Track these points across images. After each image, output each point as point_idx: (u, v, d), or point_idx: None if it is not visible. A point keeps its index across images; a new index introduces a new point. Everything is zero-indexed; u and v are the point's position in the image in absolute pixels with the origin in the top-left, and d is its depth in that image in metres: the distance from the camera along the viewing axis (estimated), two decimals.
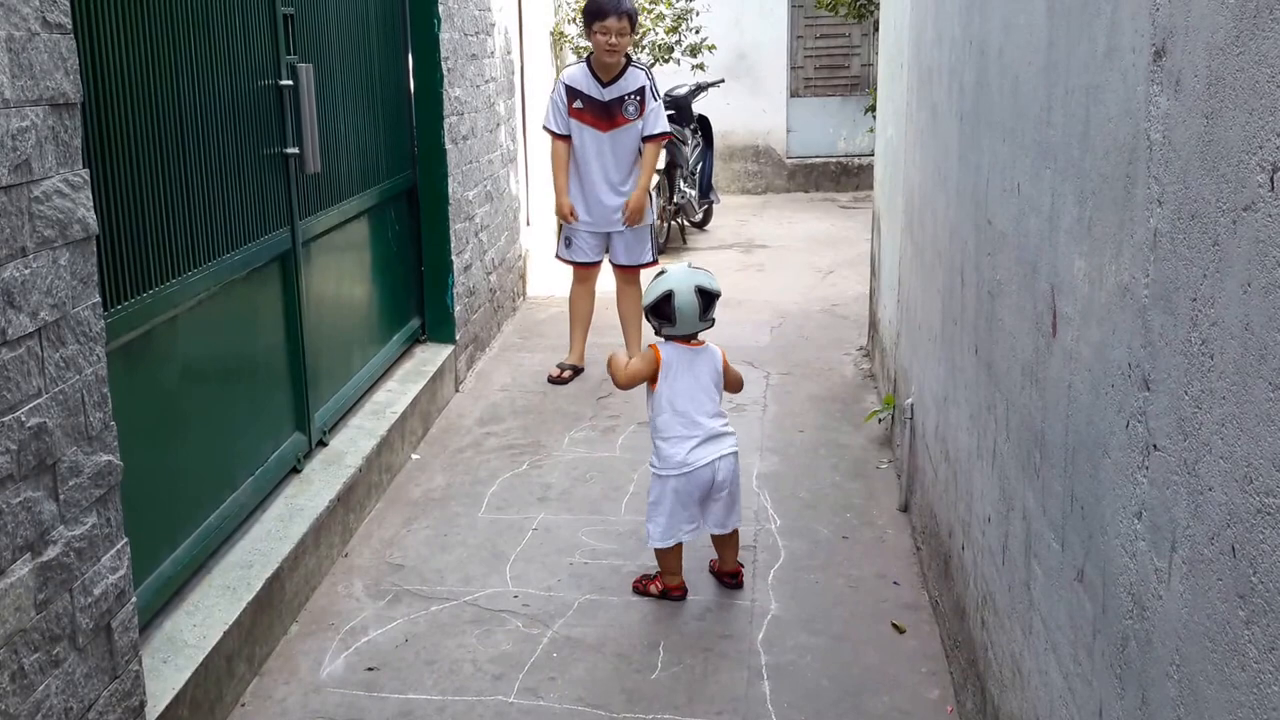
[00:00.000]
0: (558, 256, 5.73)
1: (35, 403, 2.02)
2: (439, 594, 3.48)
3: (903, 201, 4.41)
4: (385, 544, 3.82)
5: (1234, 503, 1.21)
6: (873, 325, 5.67)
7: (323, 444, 4.02)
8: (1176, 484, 1.38)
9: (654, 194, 6.51)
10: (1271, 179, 1.11)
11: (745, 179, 11.85)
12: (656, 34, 9.78)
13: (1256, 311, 1.15)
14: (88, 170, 2.22)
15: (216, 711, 2.79)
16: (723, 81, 9.86)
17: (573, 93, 5.39)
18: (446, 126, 5.28)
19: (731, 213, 10.43)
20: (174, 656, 2.70)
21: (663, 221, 8.65)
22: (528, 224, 7.34)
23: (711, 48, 9.99)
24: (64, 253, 2.12)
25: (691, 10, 9.97)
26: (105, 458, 2.26)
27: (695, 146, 9.24)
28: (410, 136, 5.23)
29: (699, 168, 9.30)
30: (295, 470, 3.78)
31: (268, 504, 3.54)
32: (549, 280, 7.07)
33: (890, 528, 3.88)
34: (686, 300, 3.42)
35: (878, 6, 7.10)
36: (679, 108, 9.16)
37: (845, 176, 11.74)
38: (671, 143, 8.55)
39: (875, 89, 6.30)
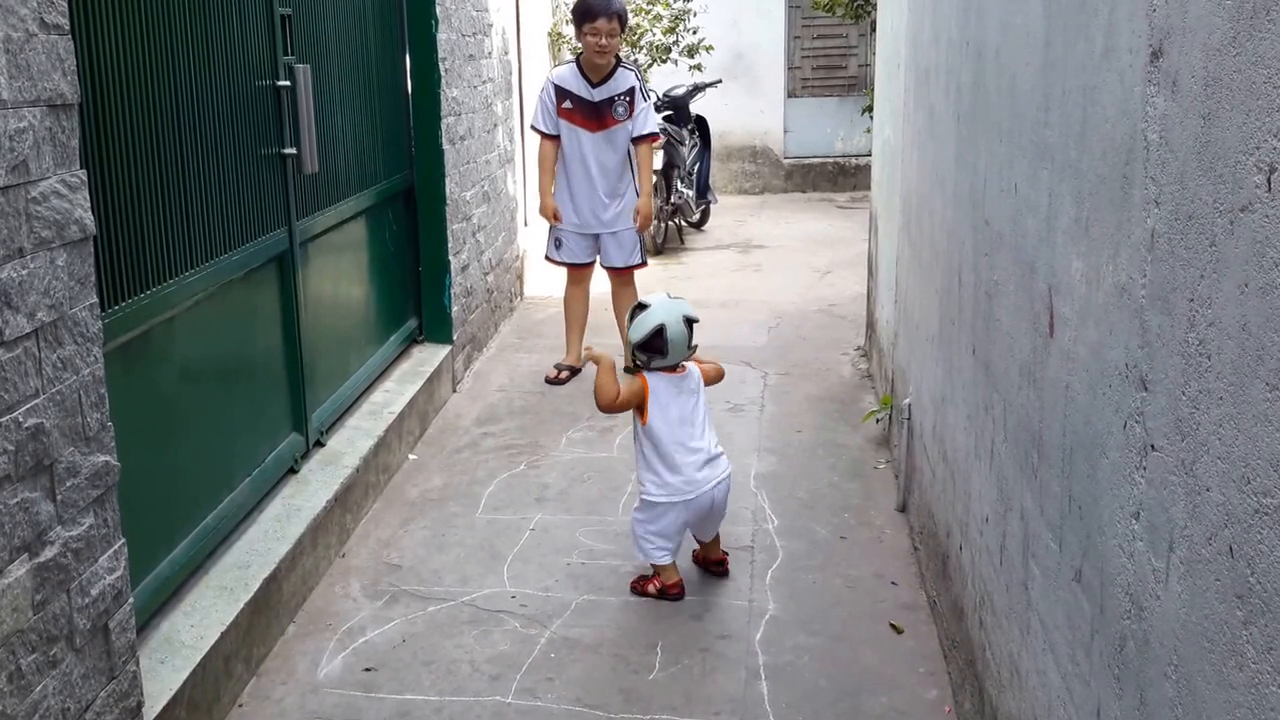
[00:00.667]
0: (547, 258, 5.74)
1: (32, 403, 2.02)
2: (436, 594, 3.48)
3: (900, 202, 4.41)
4: (382, 544, 3.82)
5: (1231, 503, 1.21)
6: (870, 325, 5.68)
7: (320, 444, 4.02)
8: (1174, 484, 1.38)
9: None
10: (1269, 180, 1.11)
11: (743, 179, 11.85)
12: (654, 34, 9.78)
13: (1254, 312, 1.15)
14: (85, 171, 2.22)
15: (214, 712, 2.79)
16: (720, 82, 9.87)
17: (562, 93, 5.39)
18: (444, 127, 5.28)
19: (729, 213, 10.44)
20: (171, 657, 2.70)
21: (660, 222, 8.65)
22: (525, 224, 7.33)
23: (709, 48, 9.98)
24: (61, 253, 2.12)
25: (689, 11, 9.97)
26: (102, 458, 2.26)
27: (693, 147, 9.24)
28: (408, 137, 5.23)
29: (696, 168, 9.30)
30: (293, 471, 3.77)
31: (265, 504, 3.53)
32: (546, 281, 7.06)
33: (888, 528, 3.89)
34: (677, 331, 3.44)
35: (875, 7, 7.11)
36: (676, 108, 9.16)
37: (842, 177, 11.75)
38: (669, 143, 8.56)
39: (872, 89, 6.30)
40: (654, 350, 3.43)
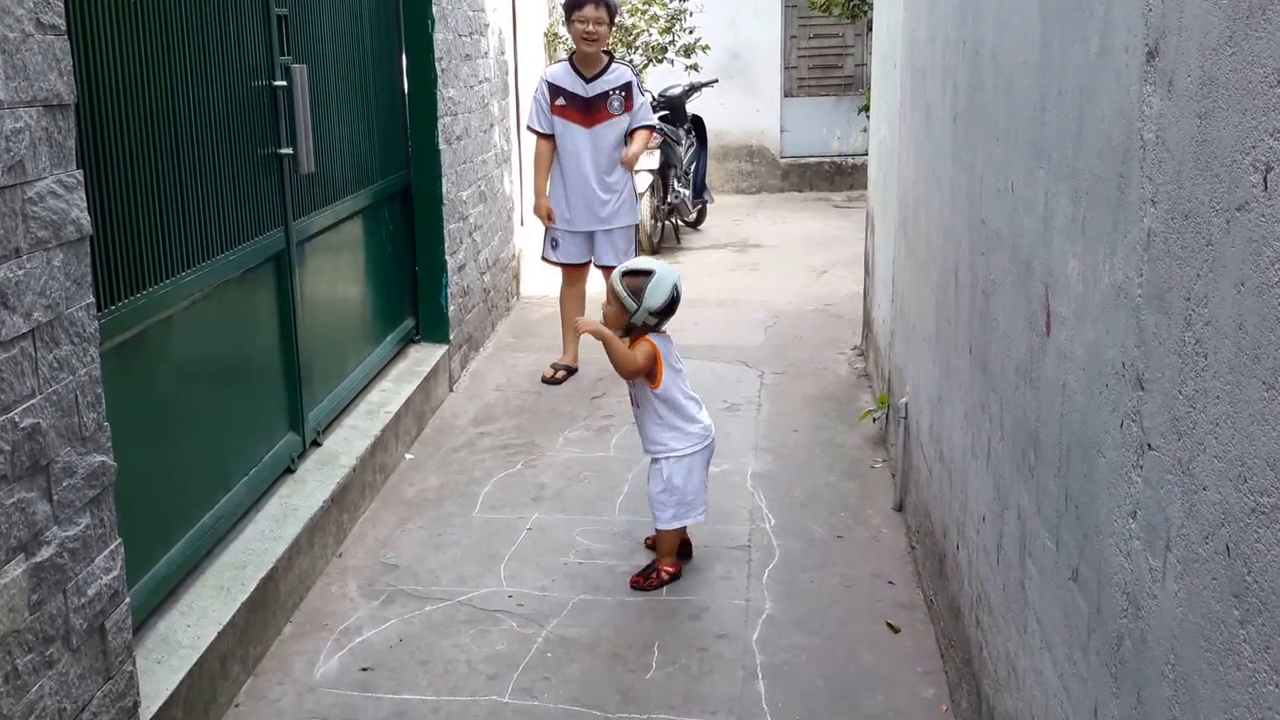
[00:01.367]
0: (543, 258, 5.74)
1: (29, 403, 2.02)
2: (433, 594, 3.47)
3: (897, 201, 4.41)
4: (379, 544, 3.81)
5: (1228, 502, 1.22)
6: (867, 325, 5.68)
7: (317, 444, 4.02)
8: (1171, 483, 1.38)
9: (644, 192, 6.51)
10: (1265, 179, 1.12)
11: (739, 179, 11.86)
12: (650, 34, 9.78)
13: (1250, 311, 1.16)
14: (81, 171, 2.21)
15: (210, 712, 2.79)
16: (716, 81, 9.87)
17: (555, 90, 5.40)
18: (440, 127, 5.28)
19: (725, 212, 10.44)
20: (168, 657, 2.70)
21: (656, 221, 8.65)
22: (521, 224, 7.33)
23: (705, 48, 9.99)
24: (58, 254, 2.12)
25: (685, 10, 9.97)
26: (99, 458, 2.25)
27: (689, 146, 9.24)
28: (404, 137, 5.23)
29: (693, 167, 9.31)
30: (289, 470, 3.77)
31: (262, 504, 3.53)
32: (543, 281, 7.05)
33: (885, 527, 3.89)
34: (679, 294, 3.58)
35: (871, 7, 7.11)
36: (673, 108, 9.17)
37: (839, 176, 11.76)
38: (665, 143, 8.56)
39: (869, 89, 6.30)
40: (667, 313, 3.55)
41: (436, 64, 5.20)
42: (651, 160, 8.30)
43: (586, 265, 5.63)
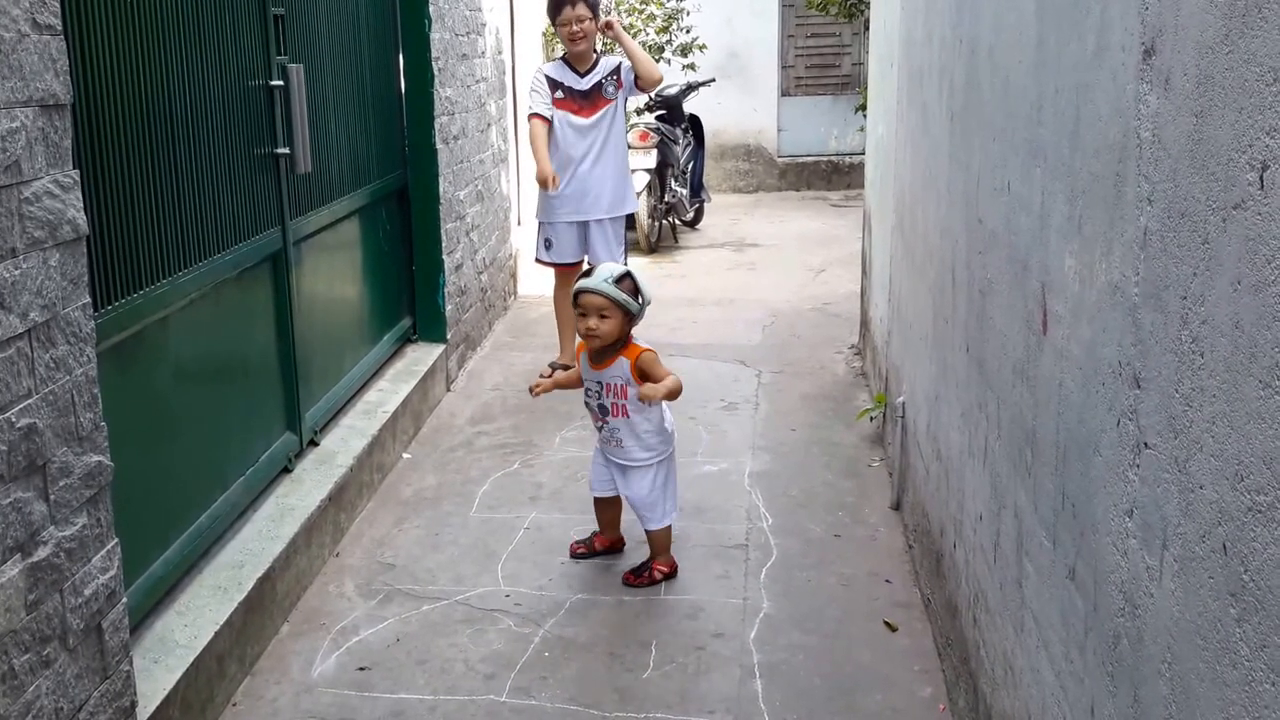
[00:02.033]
0: (538, 260, 5.73)
1: (25, 403, 2.02)
2: (431, 593, 3.47)
3: (894, 200, 4.41)
4: (377, 543, 3.81)
5: (1225, 501, 1.22)
6: (864, 324, 5.68)
7: (314, 443, 4.01)
8: (1167, 482, 1.38)
9: (642, 191, 6.49)
10: (1261, 177, 1.12)
11: (736, 178, 11.86)
12: (647, 34, 9.78)
13: (1246, 309, 1.16)
14: (78, 171, 2.21)
15: (208, 712, 2.79)
16: (714, 81, 9.87)
17: (554, 84, 5.43)
18: (437, 126, 5.28)
19: (723, 212, 10.44)
20: (165, 657, 2.70)
21: (654, 221, 8.66)
22: (519, 224, 7.33)
23: (702, 47, 10.00)
24: (54, 253, 2.12)
25: (682, 10, 9.98)
26: (95, 458, 2.25)
27: (686, 146, 9.25)
28: (401, 136, 5.23)
29: (690, 167, 9.31)
30: (286, 470, 3.77)
31: (259, 504, 3.53)
32: (539, 280, 7.04)
33: (882, 526, 3.89)
34: None
35: (868, 6, 7.11)
36: (670, 107, 9.17)
37: (836, 175, 11.76)
38: (663, 142, 8.56)
39: (866, 88, 6.30)
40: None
41: (433, 63, 5.20)
42: (649, 159, 8.31)
43: (579, 265, 5.62)
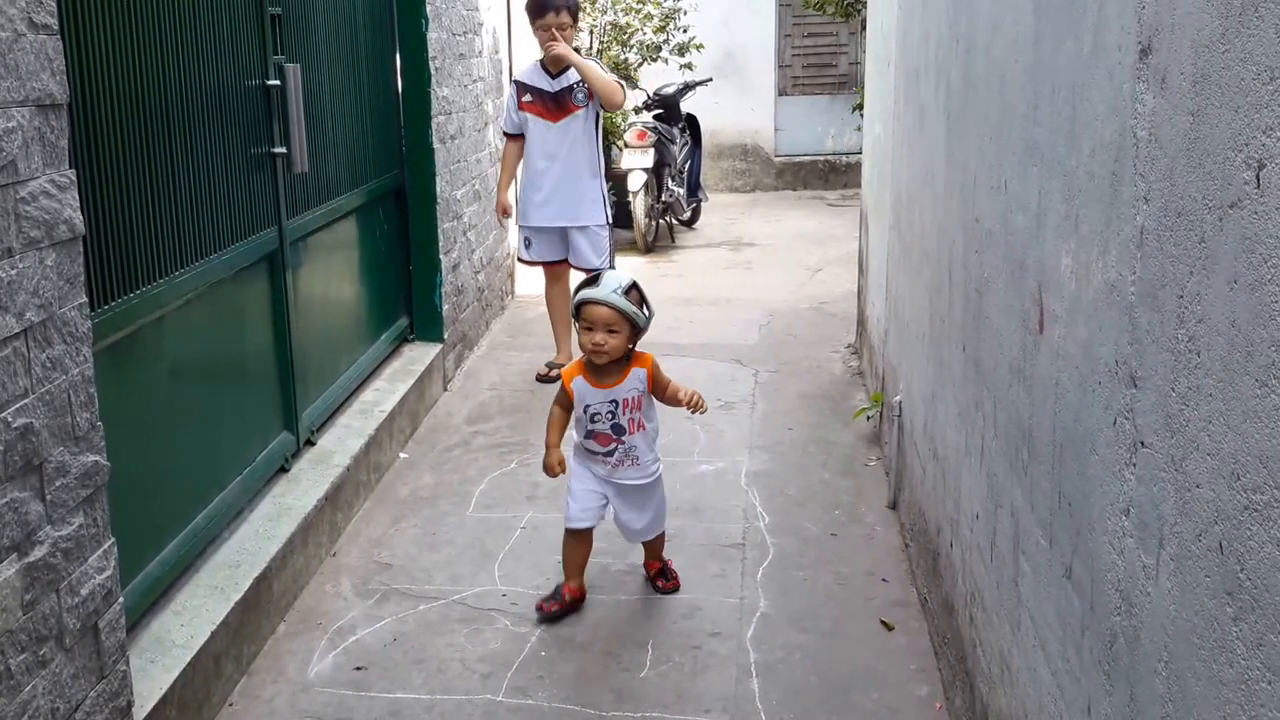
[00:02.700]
0: (520, 259, 5.75)
1: (22, 403, 2.01)
2: (427, 593, 3.47)
3: (890, 199, 4.42)
4: (373, 543, 3.81)
5: (1221, 499, 1.22)
6: (861, 323, 5.69)
7: (310, 443, 4.01)
8: (1164, 481, 1.39)
9: (639, 190, 6.49)
10: (1258, 176, 1.12)
11: (733, 177, 11.87)
12: (644, 33, 9.78)
13: (1243, 308, 1.16)
14: (74, 171, 2.21)
15: (204, 711, 2.79)
16: (710, 80, 9.87)
17: (522, 88, 5.42)
18: (434, 126, 5.27)
19: (720, 211, 10.44)
20: (161, 656, 2.70)
21: (651, 220, 8.66)
22: (516, 223, 7.32)
23: (699, 47, 10.00)
24: (50, 253, 2.11)
25: (679, 9, 9.98)
26: (92, 458, 2.25)
27: (683, 145, 9.25)
28: (398, 136, 5.22)
29: (687, 166, 9.32)
30: (283, 470, 3.77)
31: (256, 503, 3.52)
32: (536, 280, 7.04)
33: (879, 525, 3.89)
34: None
35: (865, 5, 7.12)
36: (667, 107, 9.17)
37: (833, 174, 11.77)
38: (660, 141, 8.56)
39: (863, 87, 6.31)
40: None
41: (430, 63, 5.20)
42: (646, 159, 8.31)
43: (564, 262, 5.61)
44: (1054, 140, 1.91)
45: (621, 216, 7.93)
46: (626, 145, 8.40)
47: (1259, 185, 1.12)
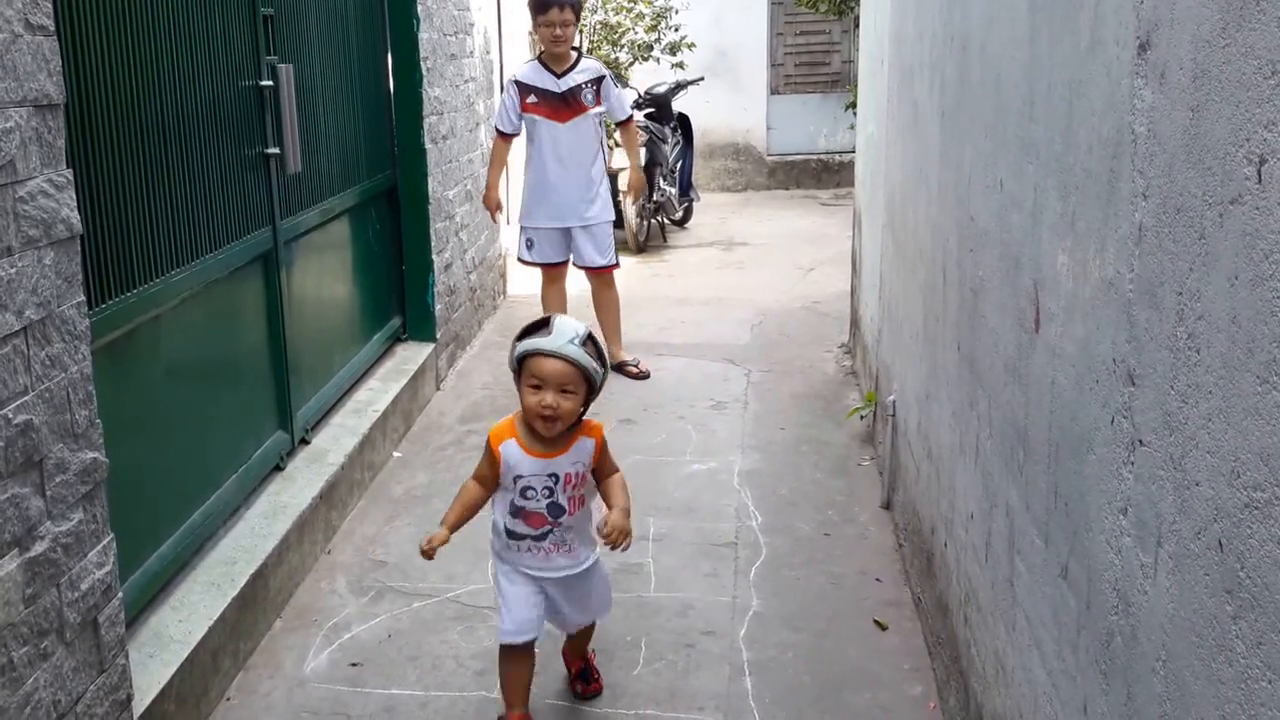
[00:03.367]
0: (520, 259, 5.73)
1: (22, 400, 2.01)
2: (422, 591, 3.47)
3: (884, 198, 4.43)
4: (368, 541, 3.81)
5: (1221, 497, 1.23)
6: (854, 323, 5.70)
7: (305, 442, 4.01)
8: (1163, 479, 1.39)
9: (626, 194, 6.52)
10: (1259, 171, 1.13)
11: (725, 176, 11.88)
12: (636, 32, 9.79)
13: (1243, 304, 1.16)
14: (71, 170, 2.21)
15: (202, 705, 2.79)
16: (702, 79, 9.89)
17: (525, 88, 5.38)
18: (426, 126, 5.27)
19: (712, 210, 10.45)
20: (160, 651, 2.70)
21: (642, 220, 8.66)
22: (507, 223, 7.32)
23: (691, 45, 10.01)
24: (49, 252, 2.11)
25: (671, 8, 9.98)
26: (91, 455, 2.25)
27: (675, 144, 9.25)
28: (390, 136, 5.22)
29: (679, 165, 9.32)
30: (278, 468, 3.76)
31: (251, 501, 3.52)
32: (528, 280, 7.04)
33: (872, 525, 3.90)
34: None
35: (858, 3, 7.14)
36: (659, 106, 9.18)
37: (826, 174, 11.79)
38: (651, 140, 8.56)
39: (856, 85, 6.32)
40: None
41: (422, 63, 5.20)
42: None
43: (564, 264, 5.61)
44: (1050, 137, 1.92)
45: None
46: (618, 144, 8.41)
47: (1260, 180, 1.12)
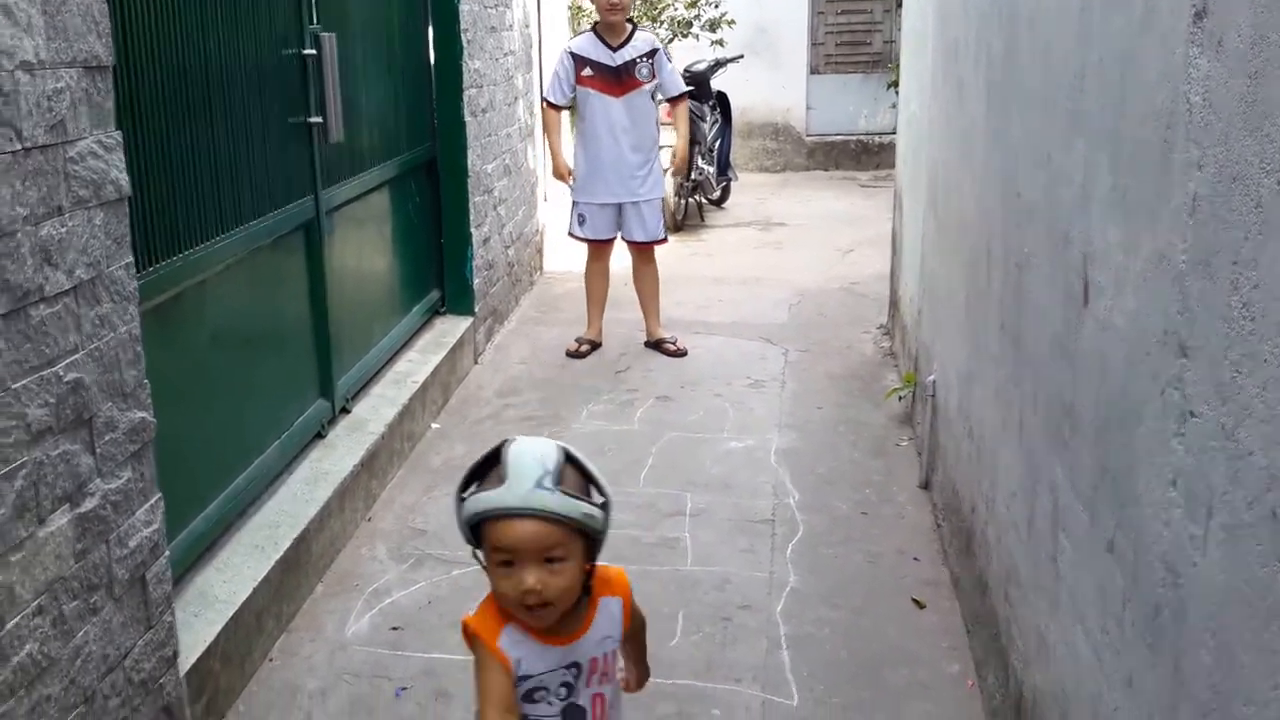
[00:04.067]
0: (570, 234, 5.71)
1: (72, 358, 2.04)
2: (461, 559, 3.49)
3: (926, 177, 4.39)
4: (407, 510, 3.84)
5: (1276, 466, 1.21)
6: (893, 303, 5.67)
7: (346, 411, 4.04)
8: (1214, 450, 1.38)
9: (668, 168, 6.54)
10: None
11: (764, 156, 11.82)
12: (676, 9, 9.74)
13: None
14: (120, 132, 2.23)
15: (246, 665, 2.83)
16: (742, 57, 9.82)
17: (580, 60, 5.37)
18: (466, 99, 5.28)
19: (750, 190, 10.41)
20: (205, 611, 2.74)
21: (680, 199, 8.63)
22: (545, 199, 7.34)
23: (731, 23, 9.95)
24: (98, 213, 2.14)
25: None
26: (139, 414, 2.28)
27: (713, 123, 9.21)
28: (430, 109, 5.23)
29: (717, 145, 9.27)
30: (319, 436, 3.80)
31: (293, 467, 3.56)
32: (566, 256, 7.06)
33: (910, 504, 3.89)
34: None
35: None
36: (697, 83, 9.12)
37: (865, 155, 11.70)
38: (690, 119, 8.52)
39: (898, 65, 6.27)
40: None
41: (462, 35, 5.20)
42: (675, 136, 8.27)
43: (613, 241, 5.62)
44: (1101, 110, 1.90)
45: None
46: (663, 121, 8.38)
47: None
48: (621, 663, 1.93)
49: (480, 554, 1.69)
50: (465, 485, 1.69)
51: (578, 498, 1.65)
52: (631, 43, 5.36)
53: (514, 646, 1.69)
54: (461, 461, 4.24)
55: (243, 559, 3.00)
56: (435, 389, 4.68)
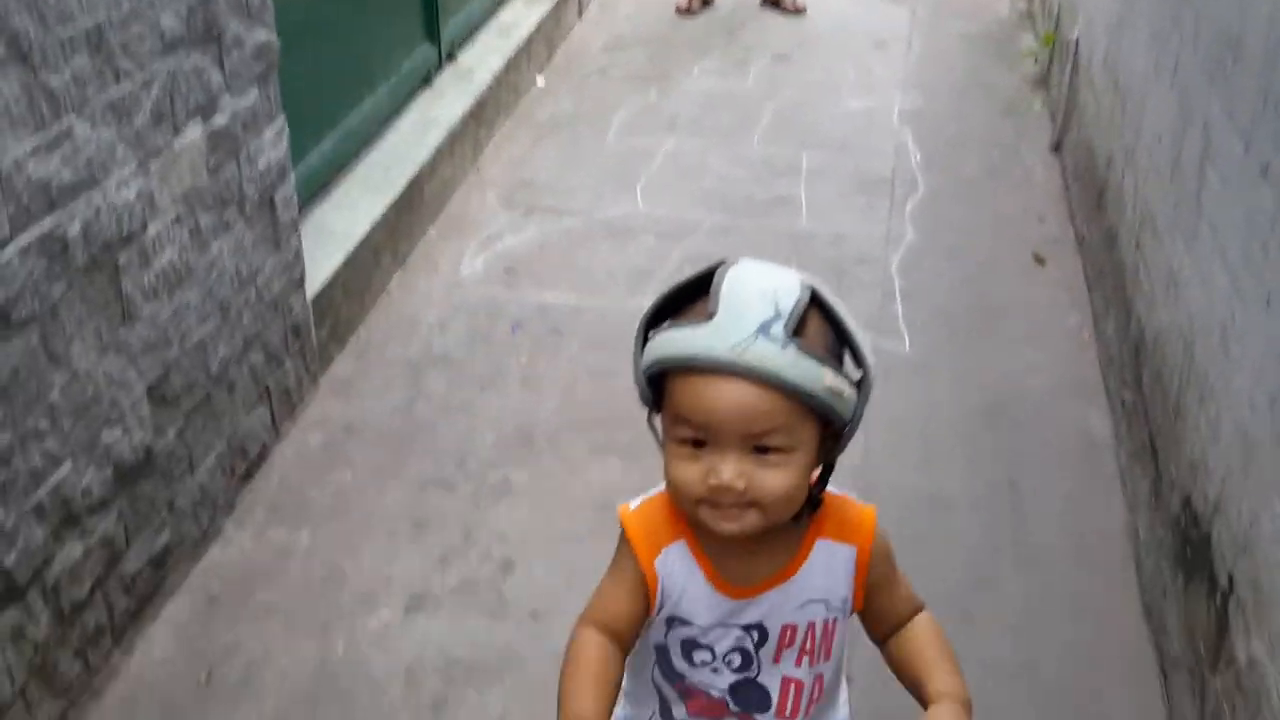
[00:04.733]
0: None
1: None
2: (570, 209, 3.49)
3: None
4: (515, 161, 3.82)
5: None
6: None
7: (452, 58, 3.95)
8: None
9: None
10: None
11: None
12: None
13: None
14: None
15: (365, 297, 2.91)
16: None
17: None
18: None
19: None
20: (325, 243, 2.80)
21: None
22: None
23: None
24: None
25: None
26: (264, 34, 2.25)
27: None
28: None
29: None
30: (426, 83, 3.74)
31: (403, 112, 3.53)
32: None
33: (1039, 166, 3.75)
34: None
35: None
36: None
37: None
38: None
39: None
40: None
41: None
42: None
43: None
44: None
45: None
46: None
47: None
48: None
49: (658, 423, 1.09)
50: (655, 316, 1.07)
51: (822, 360, 1.00)
52: None
53: (676, 575, 1.13)
54: (568, 118, 4.16)
55: (358, 197, 3.02)
56: (540, 43, 4.53)
